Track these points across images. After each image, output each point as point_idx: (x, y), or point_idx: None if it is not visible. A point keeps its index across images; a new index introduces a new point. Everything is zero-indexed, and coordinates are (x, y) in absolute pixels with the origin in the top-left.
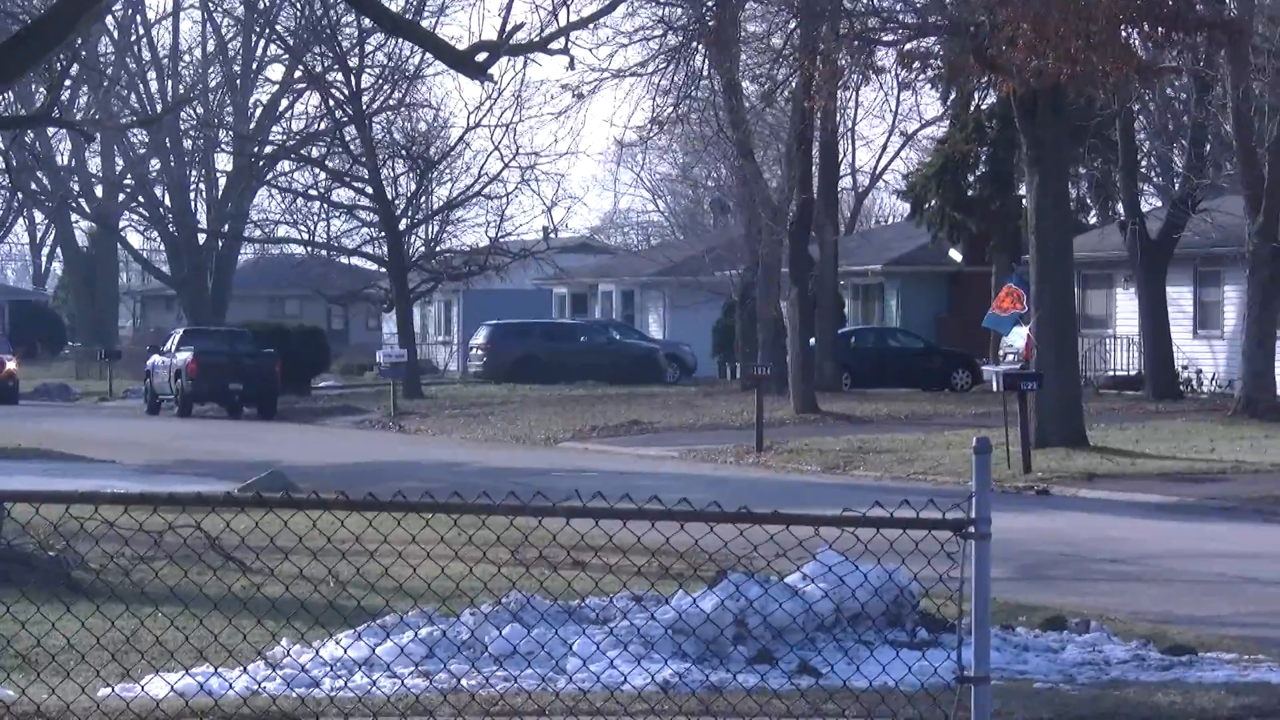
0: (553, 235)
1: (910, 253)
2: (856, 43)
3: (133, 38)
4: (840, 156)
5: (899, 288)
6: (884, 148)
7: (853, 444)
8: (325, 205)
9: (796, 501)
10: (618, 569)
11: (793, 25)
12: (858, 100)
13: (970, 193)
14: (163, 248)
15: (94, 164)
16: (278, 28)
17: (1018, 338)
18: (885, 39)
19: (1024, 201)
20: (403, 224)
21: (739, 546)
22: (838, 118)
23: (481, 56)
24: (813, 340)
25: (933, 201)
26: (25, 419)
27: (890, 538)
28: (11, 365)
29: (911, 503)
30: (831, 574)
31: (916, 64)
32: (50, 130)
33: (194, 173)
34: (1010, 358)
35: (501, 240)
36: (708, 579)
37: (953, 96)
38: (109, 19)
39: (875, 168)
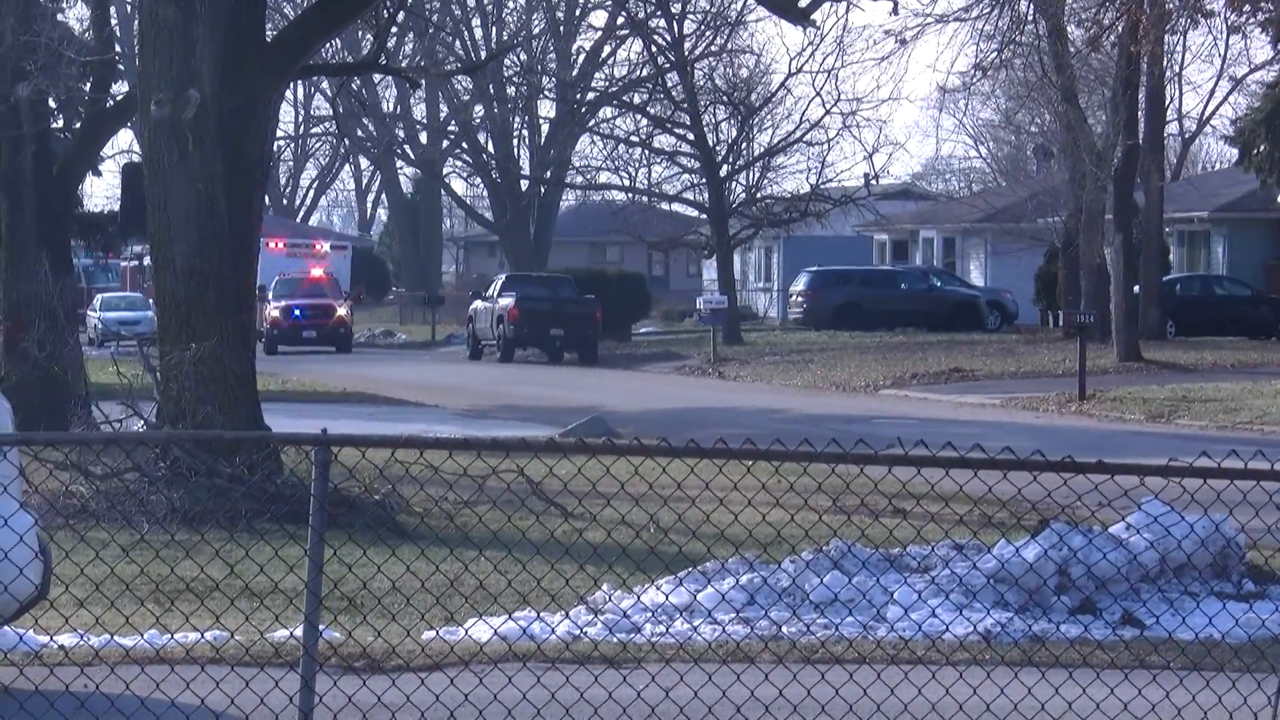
0: (874, 181)
1: (1238, 199)
2: None
3: None
4: (1166, 102)
5: (1226, 234)
6: (1211, 93)
7: (1177, 393)
8: (646, 152)
9: (1119, 450)
10: (939, 517)
11: None
12: (1185, 44)
13: None
14: (486, 194)
15: (419, 111)
16: None
17: None
18: None
19: None
20: (724, 170)
21: (1062, 496)
22: (1164, 62)
23: (805, 2)
24: (1137, 287)
25: (1262, 147)
26: (350, 363)
27: (1217, 488)
28: (343, 311)
29: (1239, 453)
30: (1157, 524)
31: (1247, 7)
32: (376, 77)
33: (517, 119)
34: None
35: (822, 186)
36: (1030, 528)
37: None
38: None
39: (1202, 113)
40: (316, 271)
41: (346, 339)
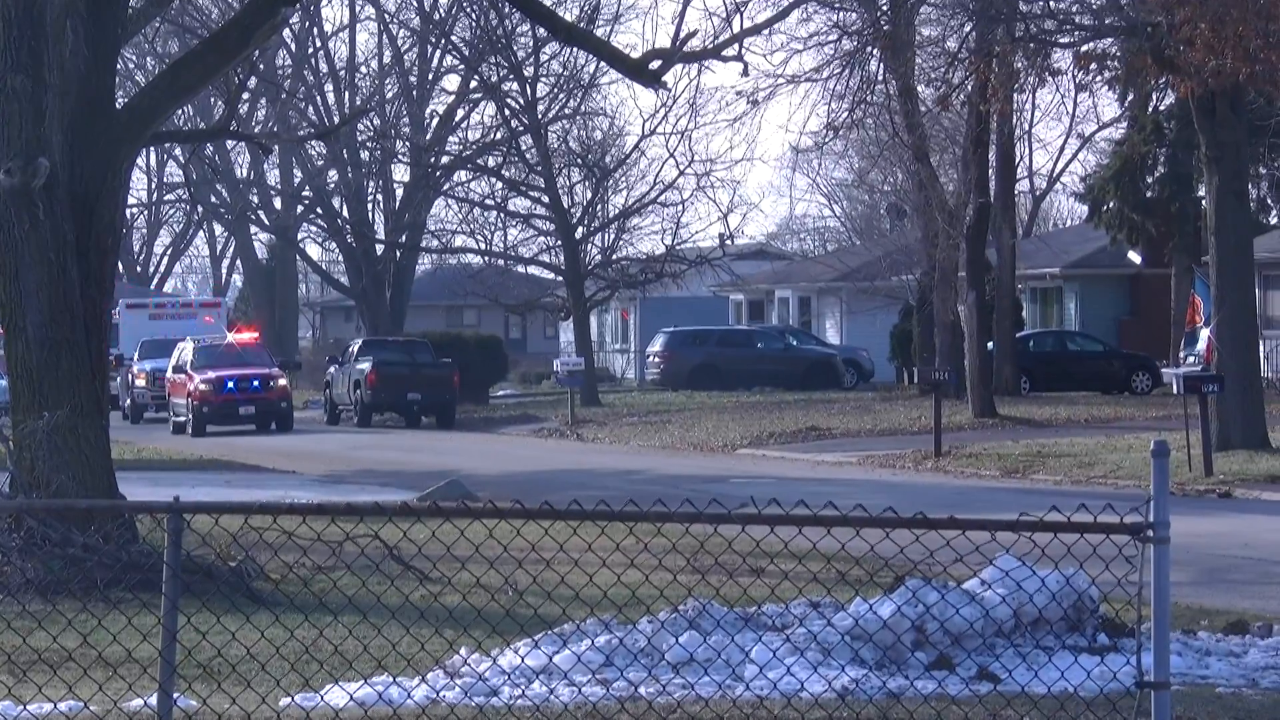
0: (729, 242)
1: (1089, 255)
2: (1032, 45)
3: (309, 50)
4: (1017, 159)
5: (1078, 290)
6: (1061, 150)
7: (1031, 448)
8: (502, 215)
9: (974, 507)
10: (794, 575)
11: (968, 28)
12: (1034, 103)
13: (1149, 194)
14: (341, 259)
15: (272, 176)
16: (453, 39)
17: (1199, 341)
18: (1061, 41)
19: (1203, 202)
20: (579, 232)
21: (916, 552)
22: (1014, 120)
23: (655, 64)
24: (991, 344)
25: (1111, 203)
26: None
27: (1068, 542)
28: (285, 381)
29: (1089, 507)
30: (1009, 579)
31: (1093, 65)
32: (229, 143)
33: (371, 184)
34: (1191, 360)
35: (678, 247)
36: (885, 585)
37: (1130, 98)
38: (285, 32)
39: (1052, 170)
40: (246, 335)
41: (288, 415)
